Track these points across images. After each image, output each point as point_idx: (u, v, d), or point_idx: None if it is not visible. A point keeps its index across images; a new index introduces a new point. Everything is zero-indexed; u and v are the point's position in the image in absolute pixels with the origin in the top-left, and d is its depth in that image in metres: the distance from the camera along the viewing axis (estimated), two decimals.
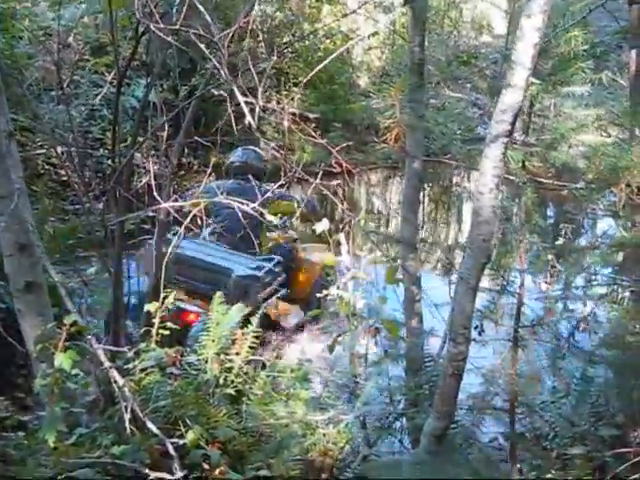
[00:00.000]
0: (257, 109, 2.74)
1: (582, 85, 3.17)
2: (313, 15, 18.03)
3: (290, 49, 16.42)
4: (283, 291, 6.57)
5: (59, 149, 8.83)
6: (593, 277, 3.44)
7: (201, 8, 2.90)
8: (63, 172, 11.00)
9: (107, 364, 3.15)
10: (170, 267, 4.30)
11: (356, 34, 17.13)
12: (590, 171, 3.11)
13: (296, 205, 6.60)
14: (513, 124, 2.39)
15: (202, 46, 2.73)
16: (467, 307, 2.55)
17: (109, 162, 10.79)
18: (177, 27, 2.89)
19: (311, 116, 15.10)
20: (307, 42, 16.91)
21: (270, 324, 6.41)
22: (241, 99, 2.67)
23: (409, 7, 4.12)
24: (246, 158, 7.42)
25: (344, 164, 4.13)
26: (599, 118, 3.17)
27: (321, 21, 17.94)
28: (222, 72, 2.66)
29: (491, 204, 2.41)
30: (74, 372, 2.96)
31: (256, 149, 7.61)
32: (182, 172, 11.77)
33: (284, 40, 16.51)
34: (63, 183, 11.05)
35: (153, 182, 4.32)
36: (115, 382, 3.17)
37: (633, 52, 3.95)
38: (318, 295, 5.17)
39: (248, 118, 2.64)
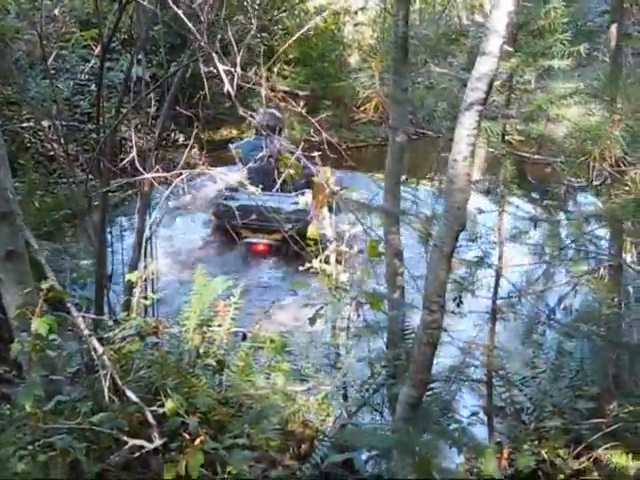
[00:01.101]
0: (236, 77, 2.73)
1: (562, 59, 3.17)
2: None
3: (280, 26, 16.33)
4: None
5: (45, 123, 8.78)
6: (572, 250, 3.46)
7: None
8: (49, 146, 10.96)
9: (86, 332, 3.16)
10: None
11: (347, 11, 17.06)
12: (568, 143, 3.12)
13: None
14: (488, 92, 2.39)
15: (180, 12, 2.71)
16: (441, 275, 2.56)
17: (93, 130, 10.76)
18: None
19: (301, 93, 15.02)
20: (298, 19, 16.80)
21: None
22: (220, 67, 2.66)
23: None
24: (266, 119, 8.96)
25: (331, 140, 4.16)
26: (578, 91, 3.18)
27: None
28: (199, 37, 2.65)
29: (465, 172, 2.42)
30: (52, 337, 2.97)
31: (274, 111, 9.24)
32: (168, 146, 11.74)
33: (275, 17, 16.43)
34: (50, 157, 11.00)
35: (136, 155, 4.33)
36: (94, 350, 3.18)
37: (613, 27, 3.96)
38: None
39: (227, 86, 2.64)
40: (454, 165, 2.43)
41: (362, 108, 3.61)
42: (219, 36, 3.08)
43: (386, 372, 4.07)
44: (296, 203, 8.14)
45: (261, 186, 5.33)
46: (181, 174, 3.91)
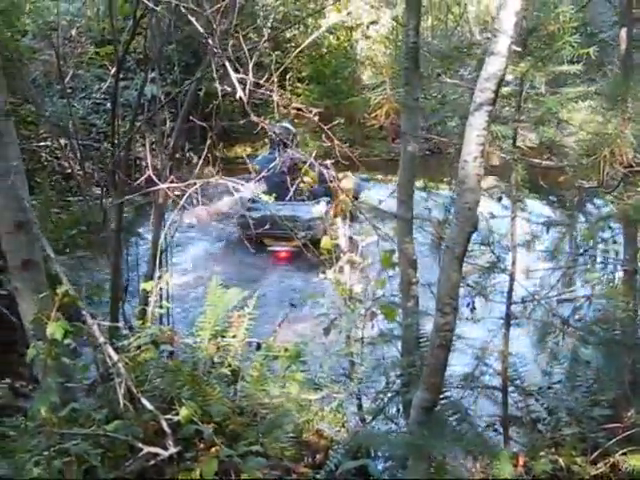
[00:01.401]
0: (248, 83, 2.76)
1: (572, 63, 3.18)
2: (315, 9, 17.99)
3: (293, 44, 16.45)
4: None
5: (62, 141, 8.86)
6: (584, 256, 3.46)
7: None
8: (66, 164, 11.06)
9: (101, 340, 3.17)
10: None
11: (359, 26, 17.16)
12: (578, 147, 3.12)
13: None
14: (497, 92, 2.40)
15: (194, 20, 2.75)
16: (453, 276, 2.57)
17: (109, 149, 10.84)
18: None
19: (314, 110, 15.05)
20: (310, 36, 16.89)
21: None
22: (232, 74, 2.69)
23: None
24: (279, 132, 9.80)
25: (344, 149, 4.19)
26: (588, 94, 3.18)
27: (325, 16, 17.97)
28: (212, 42, 2.69)
29: (476, 172, 2.42)
30: (67, 342, 2.99)
31: (287, 125, 10.15)
32: (182, 166, 11.81)
33: (287, 36, 16.55)
34: (65, 175, 11.11)
35: (151, 169, 4.37)
36: (109, 358, 3.20)
37: (623, 31, 3.97)
38: None
39: (239, 92, 2.66)
40: (464, 166, 2.44)
41: (373, 115, 3.62)
42: (231, 43, 3.12)
43: (401, 380, 4.06)
44: (315, 211, 8.65)
45: (274, 195, 5.38)
46: (195, 184, 3.93)
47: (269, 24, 15.43)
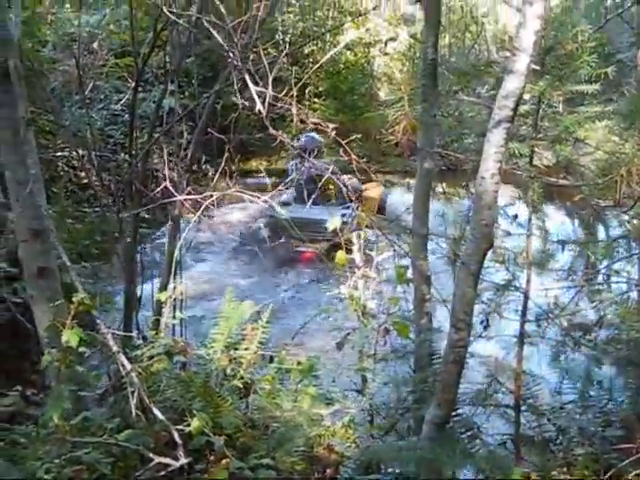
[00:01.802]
0: (267, 96, 2.78)
1: (590, 83, 3.18)
2: (334, 26, 18.07)
3: (311, 59, 16.52)
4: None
5: (79, 152, 8.93)
6: (601, 275, 3.45)
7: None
8: (82, 174, 11.14)
9: (115, 349, 3.19)
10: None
11: (377, 43, 17.22)
12: (595, 166, 3.12)
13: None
14: (515, 110, 2.41)
15: (215, 33, 2.77)
16: (468, 293, 2.56)
17: (126, 160, 10.95)
18: (194, 14, 2.94)
19: (330, 126, 15.10)
20: (328, 53, 17.00)
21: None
22: (252, 87, 2.71)
23: (421, 7, 4.16)
24: (305, 142, 10.60)
25: (360, 163, 4.23)
26: (606, 115, 3.18)
27: (343, 33, 18.04)
28: (232, 55, 2.71)
29: (493, 189, 2.43)
30: (81, 350, 3.00)
31: (314, 135, 10.55)
32: (199, 179, 11.86)
33: (306, 51, 16.63)
34: (82, 186, 11.17)
35: (168, 181, 4.40)
36: (123, 367, 3.21)
37: None
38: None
39: (258, 105, 2.68)
40: (482, 182, 2.45)
41: (390, 130, 3.64)
42: (251, 57, 3.15)
43: (412, 397, 4.05)
44: (342, 215, 8.90)
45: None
46: (212, 196, 3.96)
47: (287, 39, 15.50)
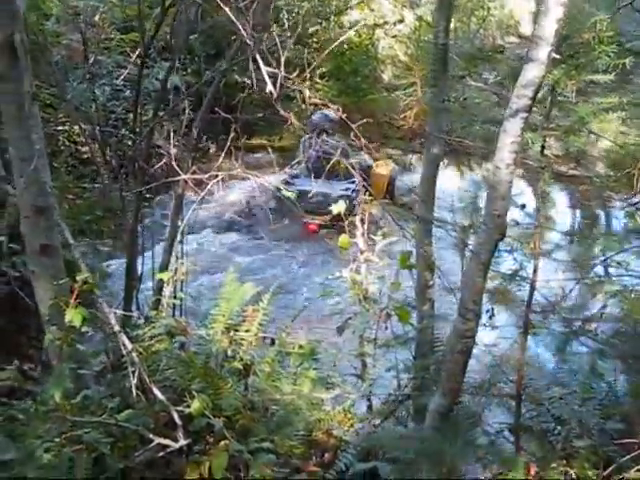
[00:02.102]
0: (279, 77, 2.74)
1: (605, 73, 3.13)
2: (339, 6, 17.94)
3: (315, 39, 16.40)
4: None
5: (82, 126, 8.87)
6: (608, 266, 3.41)
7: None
8: (83, 149, 11.09)
9: (116, 328, 3.16)
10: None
11: (383, 24, 17.10)
12: (608, 158, 3.09)
13: None
14: (533, 99, 2.37)
15: (227, 9, 2.72)
16: (478, 283, 2.54)
17: (130, 139, 10.89)
18: None
19: (332, 107, 15.04)
20: (332, 33, 16.88)
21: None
22: (263, 67, 2.67)
23: None
24: (318, 119, 10.92)
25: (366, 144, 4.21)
26: (621, 106, 3.14)
27: (348, 12, 17.90)
28: (245, 33, 2.66)
29: (507, 179, 2.40)
30: (84, 330, 2.98)
31: (328, 113, 10.66)
32: (201, 157, 11.81)
33: (310, 31, 16.49)
34: (83, 161, 11.12)
35: (173, 161, 4.36)
36: (124, 346, 3.19)
37: None
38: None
39: (269, 87, 2.64)
40: (496, 172, 2.41)
41: (402, 116, 3.57)
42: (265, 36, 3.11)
43: (413, 384, 4.03)
44: (347, 189, 10.13)
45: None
46: (217, 176, 3.92)
47: (292, 18, 15.37)
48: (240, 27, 2.69)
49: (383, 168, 11.56)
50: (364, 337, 4.81)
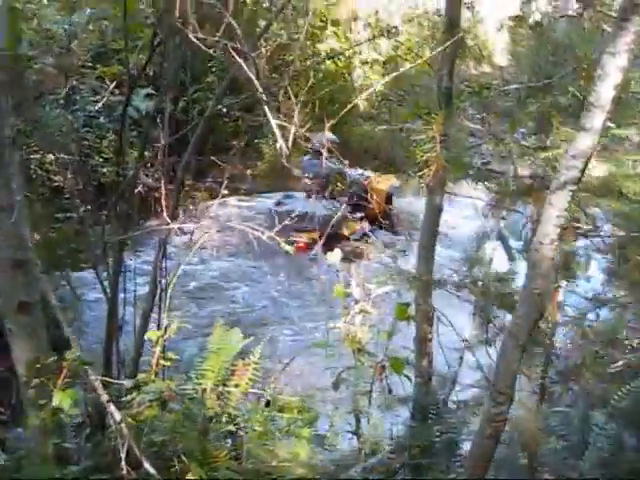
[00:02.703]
0: (292, 133, 2.52)
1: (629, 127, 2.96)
2: (316, 36, 17.91)
3: (292, 68, 16.29)
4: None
5: (55, 154, 8.61)
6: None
7: (232, 21, 2.68)
8: (56, 178, 10.80)
9: (104, 398, 2.90)
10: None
11: (358, 57, 17.08)
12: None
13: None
14: (583, 171, 2.17)
15: (242, 62, 2.50)
16: (513, 365, 2.33)
17: (106, 172, 10.63)
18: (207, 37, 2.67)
19: (310, 136, 15.01)
20: (309, 62, 16.86)
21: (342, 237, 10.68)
22: (273, 122, 2.45)
23: (444, 32, 3.96)
24: (320, 140, 10.41)
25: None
26: None
27: (324, 42, 17.85)
28: (258, 89, 2.45)
29: (550, 256, 2.19)
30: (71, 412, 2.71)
31: (328, 134, 10.35)
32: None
33: (286, 59, 16.38)
34: (55, 189, 10.84)
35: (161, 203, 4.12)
36: (111, 416, 2.92)
37: None
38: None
39: (280, 142, 2.42)
40: (539, 248, 2.20)
41: (420, 173, 3.38)
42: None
43: (411, 452, 3.80)
44: (331, 209, 10.65)
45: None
46: (203, 224, 3.67)
47: (270, 47, 15.26)
48: (251, 76, 2.46)
49: (382, 183, 11.96)
50: (359, 391, 4.59)
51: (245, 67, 2.44)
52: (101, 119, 12.16)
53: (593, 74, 2.82)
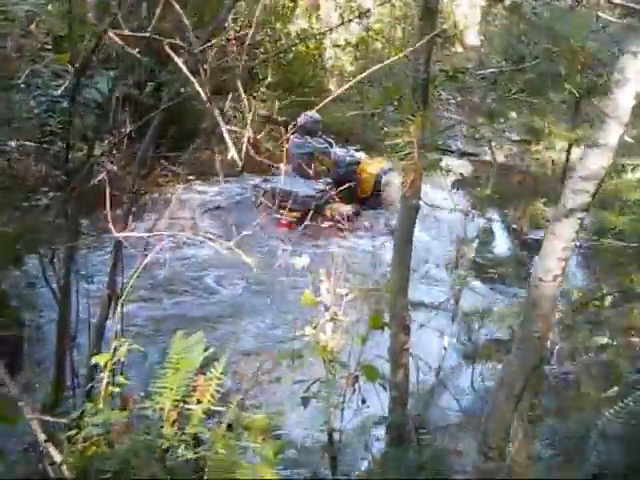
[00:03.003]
0: (245, 139, 2.18)
1: None
2: (286, 16, 17.56)
3: (261, 50, 15.89)
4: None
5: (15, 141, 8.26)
6: None
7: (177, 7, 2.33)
8: (15, 166, 10.41)
9: (42, 437, 2.56)
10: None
11: (329, 37, 16.77)
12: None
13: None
14: (594, 195, 1.82)
15: (180, 62, 2.15)
16: (507, 416, 2.02)
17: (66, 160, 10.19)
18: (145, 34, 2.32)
19: (279, 119, 14.78)
20: (279, 43, 16.53)
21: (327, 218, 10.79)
22: (224, 128, 2.11)
23: (420, 20, 3.64)
24: (304, 121, 11.33)
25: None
26: None
27: (294, 22, 17.53)
28: (203, 96, 2.11)
29: (553, 293, 1.86)
30: None
31: (313, 114, 11.14)
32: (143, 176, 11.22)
33: (256, 39, 15.97)
34: (15, 177, 10.43)
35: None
36: (49, 459, 2.58)
37: None
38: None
39: (232, 153, 2.08)
40: (539, 285, 1.87)
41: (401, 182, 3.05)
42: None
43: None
44: (314, 189, 10.69)
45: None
46: (160, 233, 3.34)
47: (237, 27, 14.87)
48: (200, 88, 2.11)
49: (372, 166, 11.79)
50: (330, 404, 4.29)
51: (184, 68, 2.09)
52: (64, 104, 11.70)
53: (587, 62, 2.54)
